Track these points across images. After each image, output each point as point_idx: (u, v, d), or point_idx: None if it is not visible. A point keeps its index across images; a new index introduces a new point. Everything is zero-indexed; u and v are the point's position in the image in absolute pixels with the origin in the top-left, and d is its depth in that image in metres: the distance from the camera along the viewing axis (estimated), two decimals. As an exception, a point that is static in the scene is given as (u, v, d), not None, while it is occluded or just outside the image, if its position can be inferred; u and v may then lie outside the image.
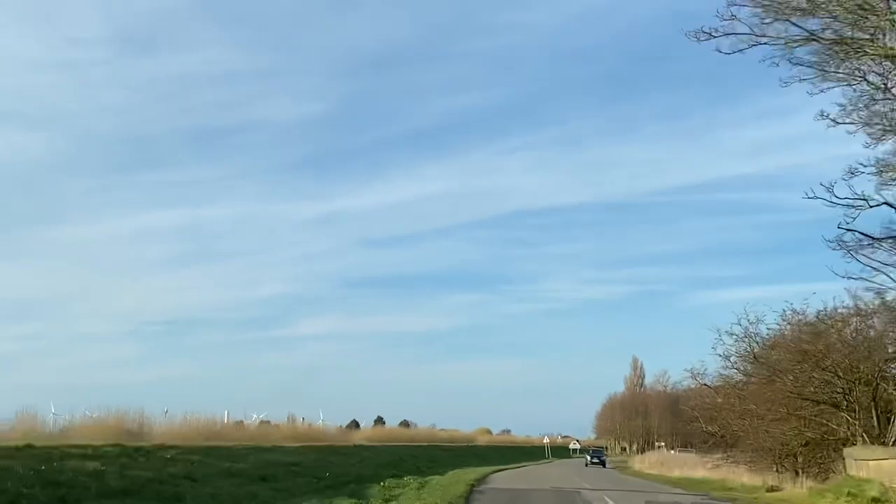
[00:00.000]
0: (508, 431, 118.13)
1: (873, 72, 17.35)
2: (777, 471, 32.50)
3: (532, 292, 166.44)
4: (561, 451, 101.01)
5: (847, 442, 25.72)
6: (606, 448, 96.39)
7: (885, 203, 18.91)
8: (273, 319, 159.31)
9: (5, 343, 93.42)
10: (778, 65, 16.78)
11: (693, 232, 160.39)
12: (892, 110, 17.88)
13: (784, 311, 29.02)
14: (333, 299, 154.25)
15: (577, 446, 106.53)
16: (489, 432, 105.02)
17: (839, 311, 27.10)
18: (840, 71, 17.41)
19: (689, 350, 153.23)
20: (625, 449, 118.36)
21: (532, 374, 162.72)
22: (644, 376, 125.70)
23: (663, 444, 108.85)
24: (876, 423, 25.33)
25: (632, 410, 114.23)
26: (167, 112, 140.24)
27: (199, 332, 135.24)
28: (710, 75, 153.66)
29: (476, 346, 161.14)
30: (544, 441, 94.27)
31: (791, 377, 27.99)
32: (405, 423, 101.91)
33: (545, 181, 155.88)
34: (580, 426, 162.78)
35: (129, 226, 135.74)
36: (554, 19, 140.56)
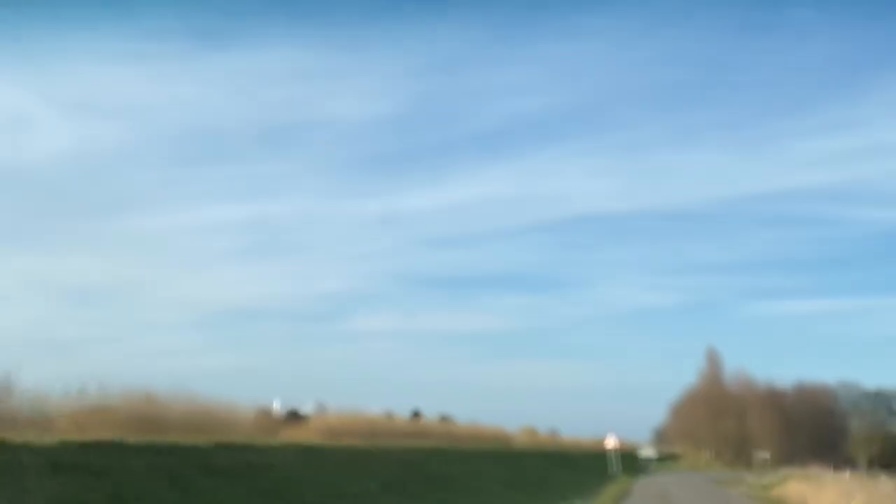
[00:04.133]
0: (556, 432, 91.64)
1: None
2: None
3: (587, 296, 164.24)
4: (626, 460, 74.13)
5: None
6: None
7: None
8: (331, 314, 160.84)
9: (72, 327, 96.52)
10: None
11: (753, 242, 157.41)
12: None
13: None
14: (390, 297, 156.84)
15: (652, 455, 79.54)
16: (535, 432, 79.49)
17: None
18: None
19: (749, 360, 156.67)
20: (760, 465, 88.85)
21: (583, 377, 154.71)
22: (722, 372, 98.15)
23: (768, 455, 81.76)
24: None
25: (721, 408, 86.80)
26: (238, 107, 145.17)
27: (259, 324, 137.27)
28: (775, 84, 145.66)
29: (528, 348, 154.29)
30: (608, 444, 60.90)
31: None
32: (444, 418, 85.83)
33: (605, 186, 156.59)
34: (636, 429, 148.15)
35: (197, 218, 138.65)
36: (620, 25, 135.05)
